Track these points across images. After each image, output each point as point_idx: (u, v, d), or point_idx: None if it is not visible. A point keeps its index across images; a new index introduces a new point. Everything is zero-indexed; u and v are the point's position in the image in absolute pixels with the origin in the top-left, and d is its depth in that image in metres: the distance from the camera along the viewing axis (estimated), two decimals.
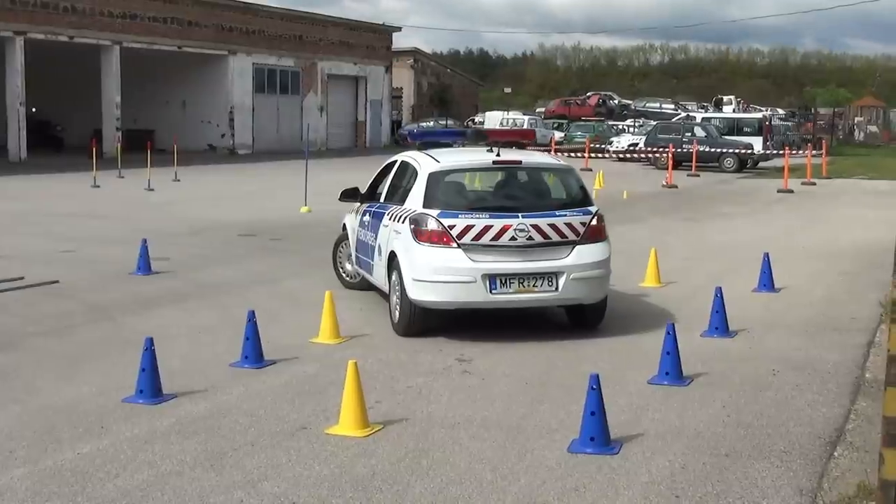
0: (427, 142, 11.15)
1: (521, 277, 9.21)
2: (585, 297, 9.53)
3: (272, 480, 5.88)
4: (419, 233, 9.33)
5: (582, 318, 9.87)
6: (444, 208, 9.41)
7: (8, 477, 5.91)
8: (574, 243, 9.38)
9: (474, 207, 9.50)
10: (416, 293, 9.29)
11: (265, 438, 6.62)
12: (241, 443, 6.53)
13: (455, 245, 9.19)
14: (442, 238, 9.23)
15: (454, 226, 9.22)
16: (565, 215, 9.44)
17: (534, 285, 9.23)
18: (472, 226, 9.19)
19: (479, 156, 10.28)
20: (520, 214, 9.32)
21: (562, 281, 9.26)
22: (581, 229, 9.42)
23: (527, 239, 9.20)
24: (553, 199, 9.90)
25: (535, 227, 9.24)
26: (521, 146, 11.40)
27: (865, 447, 6.44)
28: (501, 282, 9.17)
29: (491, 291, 9.15)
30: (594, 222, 9.57)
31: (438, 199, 9.54)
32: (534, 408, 7.31)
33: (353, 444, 6.50)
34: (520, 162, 10.08)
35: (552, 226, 9.31)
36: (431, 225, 9.29)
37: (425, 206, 9.50)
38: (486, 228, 9.18)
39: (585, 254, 9.41)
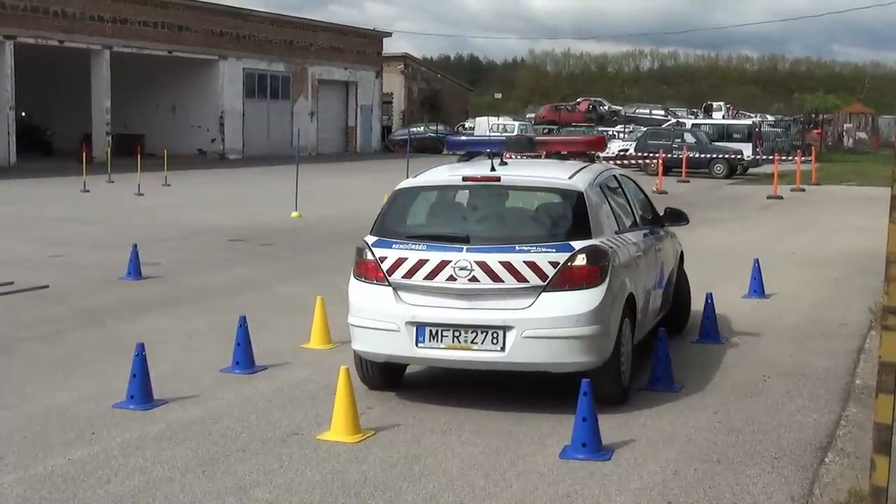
0: (470, 152, 10.62)
1: (457, 330, 7.15)
2: (551, 364, 7.21)
3: (264, 486, 5.87)
4: (356, 265, 7.69)
5: (596, 394, 6.64)
6: (384, 235, 7.63)
7: None
8: (539, 289, 7.14)
9: (415, 235, 7.57)
10: (353, 339, 7.69)
11: (256, 444, 6.61)
12: (233, 449, 6.52)
13: (386, 283, 7.41)
14: (375, 273, 7.47)
15: (385, 258, 7.43)
16: (528, 251, 7.17)
17: (472, 342, 7.13)
18: (405, 259, 7.34)
19: (465, 170, 8.05)
20: (464, 247, 7.25)
21: (511, 339, 7.06)
22: (550, 271, 7.11)
23: (469, 280, 7.14)
24: (526, 228, 7.65)
25: (482, 264, 7.12)
26: (592, 158, 9.43)
27: (856, 453, 6.46)
28: (431, 333, 7.19)
29: (417, 344, 7.23)
30: (576, 262, 7.17)
31: (384, 224, 7.77)
32: (525, 413, 7.31)
33: (344, 449, 6.50)
34: (497, 179, 7.62)
35: (506, 264, 7.11)
36: (366, 255, 7.59)
37: (372, 231, 7.78)
38: (420, 263, 7.28)
39: (554, 305, 7.09)
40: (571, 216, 7.55)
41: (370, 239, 7.67)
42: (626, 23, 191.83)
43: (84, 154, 30.75)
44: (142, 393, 7.39)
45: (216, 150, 47.03)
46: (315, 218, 20.71)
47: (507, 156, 8.80)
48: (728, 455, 6.46)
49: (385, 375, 7.83)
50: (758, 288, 12.14)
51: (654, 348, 8.04)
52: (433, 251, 7.29)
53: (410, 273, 7.32)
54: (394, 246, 7.46)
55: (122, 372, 7.96)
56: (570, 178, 7.91)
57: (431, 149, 53.91)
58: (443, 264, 7.22)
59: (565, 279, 7.15)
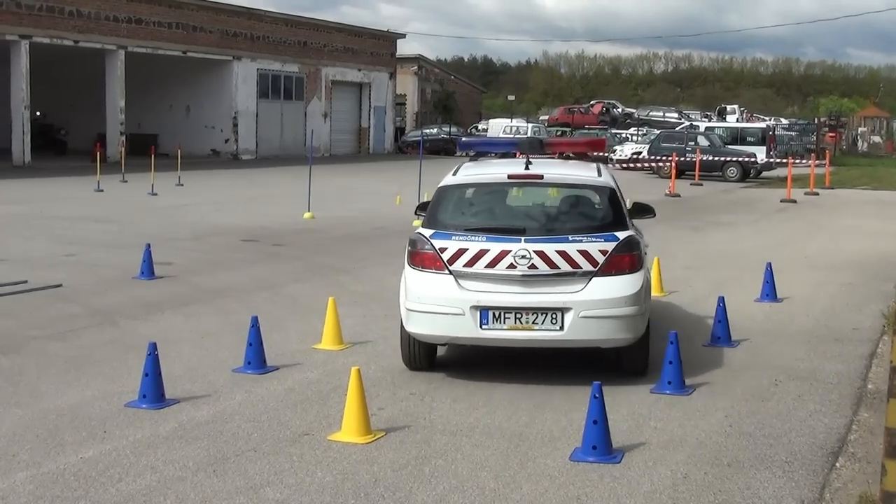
0: (481, 152, 11.13)
1: (519, 312, 7.89)
2: (602, 340, 8.04)
3: (274, 486, 5.89)
4: (412, 255, 8.32)
5: (620, 365, 8.36)
6: (441, 228, 8.31)
7: (11, 480, 5.92)
8: (590, 274, 7.96)
9: (473, 228, 8.25)
10: (409, 324, 8.25)
11: (268, 444, 6.63)
12: (244, 448, 6.54)
13: (447, 271, 8.06)
14: (434, 263, 8.11)
15: (446, 249, 8.08)
16: (581, 241, 8.02)
17: (533, 322, 7.89)
18: (466, 249, 8.02)
19: (503, 168, 8.95)
20: (522, 238, 8.03)
21: (569, 319, 7.86)
22: (600, 258, 7.97)
23: (528, 267, 7.89)
24: (573, 221, 8.44)
25: (540, 253, 7.91)
26: (588, 157, 10.38)
27: (867, 458, 6.45)
28: (494, 316, 7.90)
29: (481, 326, 7.91)
30: (620, 251, 8.07)
31: (438, 218, 8.47)
32: (536, 416, 7.31)
33: (355, 450, 6.51)
34: (541, 177, 8.56)
35: (562, 253, 7.93)
36: (424, 247, 8.22)
37: (425, 224, 8.49)
38: (481, 253, 7.98)
39: (604, 288, 7.95)
40: (611, 210, 8.48)
41: (427, 231, 8.32)
42: (639, 25, 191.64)
43: (98, 154, 30.88)
44: (154, 392, 7.42)
45: (229, 151, 47.14)
46: (327, 219, 20.74)
47: (517, 156, 9.35)
48: (738, 459, 6.45)
49: (429, 357, 8.55)
50: (770, 291, 12.11)
51: (665, 351, 8.02)
52: (493, 242, 8.01)
53: (472, 262, 8.00)
54: (453, 238, 8.14)
55: (135, 371, 8.00)
56: (600, 175, 8.87)
57: (444, 150, 53.93)
58: (503, 254, 7.94)
59: (612, 265, 8.04)
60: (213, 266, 14.38)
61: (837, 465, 6.39)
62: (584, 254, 7.98)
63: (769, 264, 12.34)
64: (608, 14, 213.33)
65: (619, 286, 8.00)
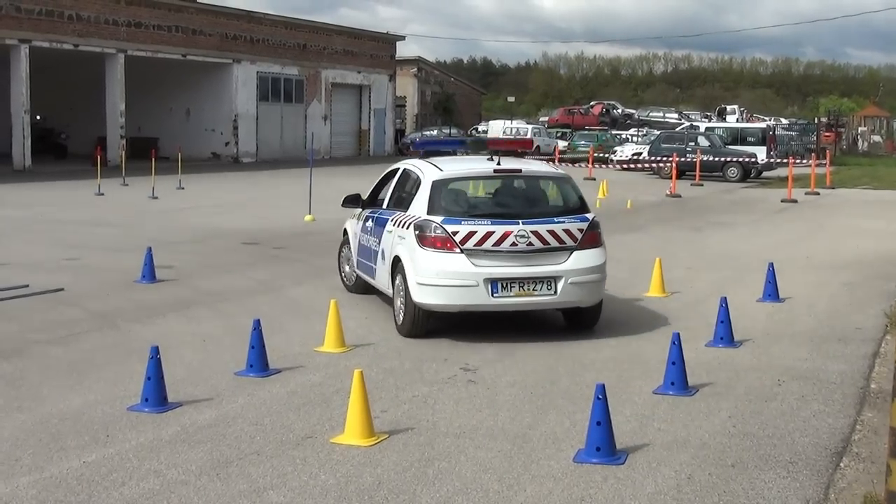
0: (429, 150, 11.96)
1: (522, 281, 9.55)
2: (583, 301, 9.90)
3: (277, 489, 5.88)
4: (423, 238, 9.68)
5: (578, 320, 10.26)
6: (447, 215, 9.78)
7: (13, 485, 5.92)
8: (572, 249, 9.74)
9: (476, 214, 9.91)
10: (421, 296, 9.63)
11: (270, 447, 6.62)
12: (247, 452, 6.53)
13: (458, 250, 9.54)
14: (445, 244, 9.58)
15: (457, 232, 9.58)
16: (563, 222, 9.81)
17: (533, 289, 9.58)
18: (475, 232, 9.55)
19: (480, 164, 10.69)
20: (520, 221, 9.67)
21: (560, 285, 9.63)
22: (578, 235, 9.80)
23: (527, 245, 9.56)
24: (552, 206, 10.32)
25: (535, 233, 9.61)
26: (520, 155, 12.44)
27: (871, 458, 6.44)
28: (503, 286, 9.51)
29: (492, 295, 9.49)
30: (591, 229, 9.93)
31: (441, 206, 9.91)
32: (539, 417, 7.31)
33: (358, 453, 6.50)
34: (520, 171, 10.38)
35: (551, 232, 9.68)
36: (435, 231, 9.65)
37: (429, 212, 9.86)
38: (488, 234, 9.54)
39: (582, 259, 9.78)
40: (576, 196, 10.30)
41: (436, 218, 9.72)
42: (638, 26, 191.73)
43: (98, 157, 30.86)
44: (156, 396, 7.41)
45: (230, 154, 47.10)
46: (328, 221, 20.68)
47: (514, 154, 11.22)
48: (743, 459, 6.44)
49: (426, 327, 9.82)
50: (772, 292, 12.09)
51: (668, 352, 8.01)
52: (497, 225, 9.60)
53: (481, 242, 9.53)
54: (462, 222, 9.63)
55: (137, 375, 7.99)
56: (557, 168, 10.84)
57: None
58: (507, 234, 9.54)
59: (586, 241, 9.86)
60: (215, 269, 14.37)
61: (842, 464, 6.39)
62: (568, 232, 9.77)
63: (771, 264, 12.33)
64: (607, 15, 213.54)
65: (593, 257, 9.88)
